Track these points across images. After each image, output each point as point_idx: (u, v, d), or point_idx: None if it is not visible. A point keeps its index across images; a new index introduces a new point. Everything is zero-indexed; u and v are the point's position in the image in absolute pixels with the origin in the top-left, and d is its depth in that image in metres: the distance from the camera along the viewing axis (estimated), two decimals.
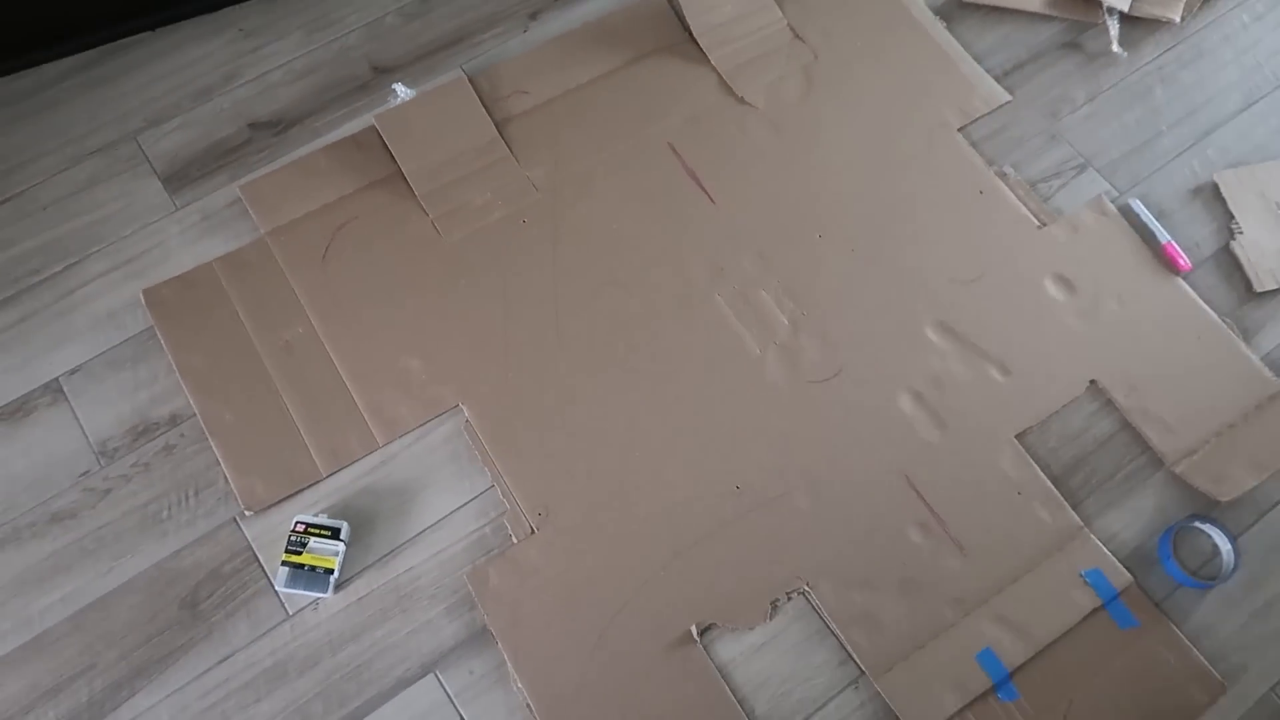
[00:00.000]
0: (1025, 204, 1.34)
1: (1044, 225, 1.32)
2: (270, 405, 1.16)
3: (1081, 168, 1.37)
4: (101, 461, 1.12)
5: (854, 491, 1.16)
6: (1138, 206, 1.33)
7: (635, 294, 1.25)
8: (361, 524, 1.11)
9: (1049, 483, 1.17)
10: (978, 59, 1.44)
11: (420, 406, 1.18)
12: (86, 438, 1.13)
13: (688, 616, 1.08)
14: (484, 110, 1.34)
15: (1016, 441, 1.19)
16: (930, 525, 1.14)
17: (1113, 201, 1.34)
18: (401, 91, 1.34)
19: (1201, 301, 1.28)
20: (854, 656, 1.08)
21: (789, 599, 1.10)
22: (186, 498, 1.11)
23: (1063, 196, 1.35)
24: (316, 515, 1.09)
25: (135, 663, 1.04)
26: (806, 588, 1.11)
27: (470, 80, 1.36)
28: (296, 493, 1.12)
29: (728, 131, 1.37)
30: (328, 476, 1.13)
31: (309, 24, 1.42)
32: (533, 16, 1.44)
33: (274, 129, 1.34)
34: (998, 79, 1.42)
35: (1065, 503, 1.16)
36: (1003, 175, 1.36)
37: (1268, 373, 1.24)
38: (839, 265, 1.29)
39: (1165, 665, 1.08)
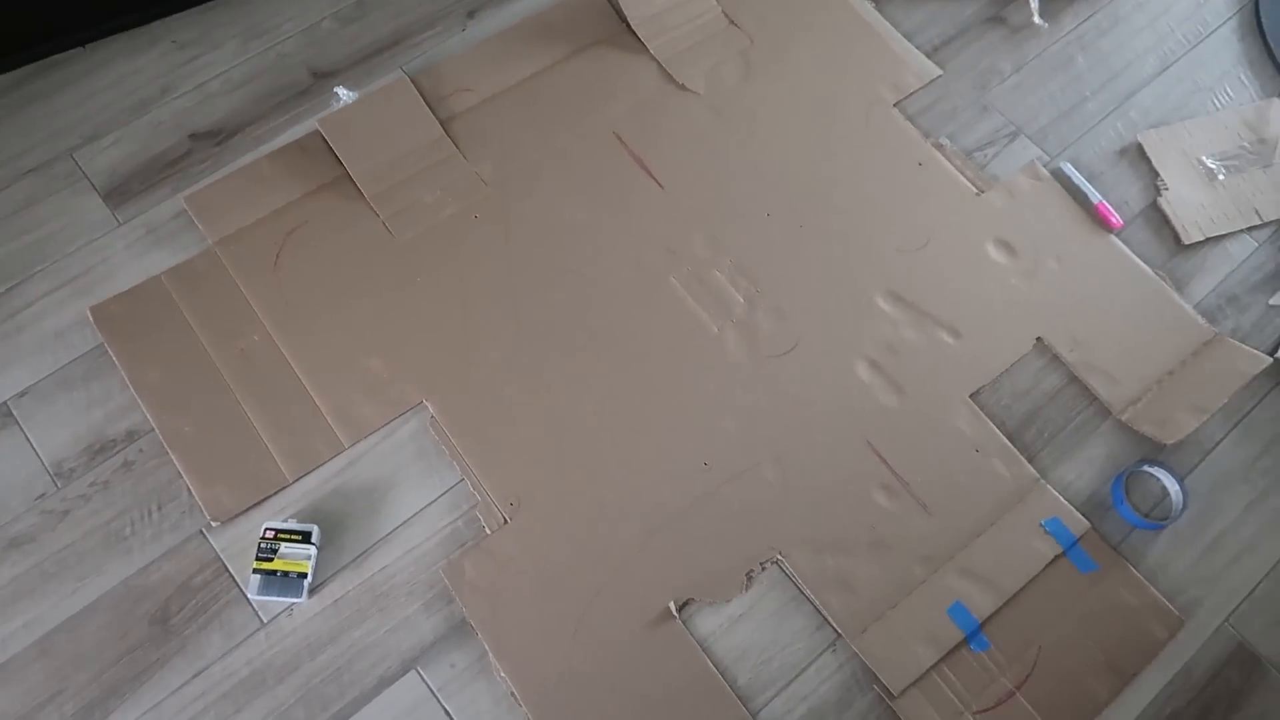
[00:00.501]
0: (963, 173, 1.38)
1: (982, 192, 1.36)
2: (230, 414, 1.15)
3: (1013, 135, 1.42)
4: (58, 483, 1.10)
5: (819, 460, 1.18)
6: (1069, 169, 1.38)
7: (591, 281, 1.26)
8: (332, 526, 1.10)
9: (1004, 438, 1.20)
10: (907, 36, 1.48)
11: (384, 405, 1.17)
12: (41, 460, 1.11)
13: (665, 594, 1.10)
14: (428, 109, 1.35)
15: (971, 401, 1.23)
16: (895, 487, 1.17)
17: (1045, 166, 1.39)
18: (344, 94, 1.33)
19: (1135, 256, 1.33)
20: (830, 620, 1.10)
21: (763, 569, 1.12)
22: (150, 513, 1.09)
23: (998, 164, 1.40)
24: (286, 521, 1.08)
25: (107, 683, 1.02)
26: (779, 557, 1.13)
27: (412, 80, 1.36)
28: (263, 500, 1.11)
29: (671, 118, 1.39)
30: (294, 482, 1.12)
31: (243, 33, 1.40)
32: (470, 15, 1.45)
33: (215, 139, 1.33)
34: (928, 54, 1.47)
35: (1021, 456, 1.20)
36: (939, 146, 1.40)
37: (1201, 320, 1.29)
38: (788, 241, 1.31)
39: (1126, 605, 1.12)
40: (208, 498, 1.10)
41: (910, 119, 1.42)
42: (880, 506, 1.16)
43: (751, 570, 1.12)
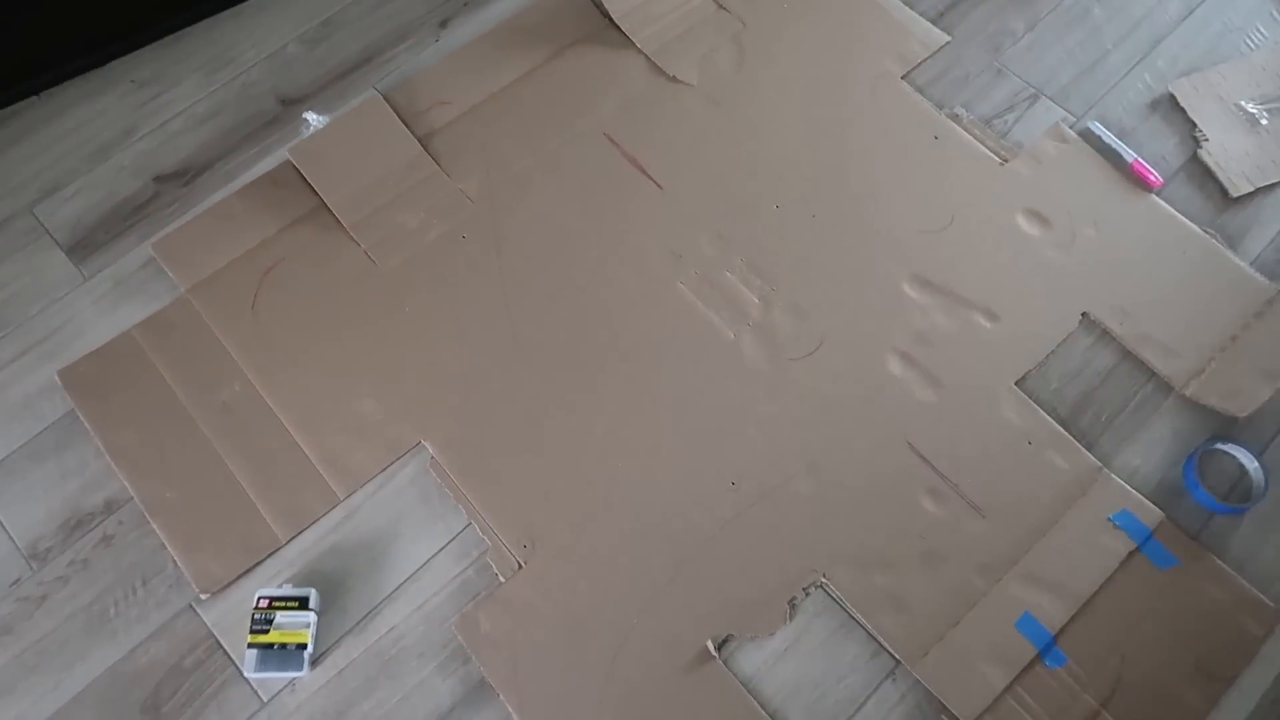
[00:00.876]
0: (983, 143, 1.28)
1: (1006, 161, 1.26)
2: (214, 474, 1.06)
3: (1033, 98, 1.32)
4: (33, 566, 1.01)
5: (857, 467, 1.08)
6: (1097, 128, 1.28)
7: (593, 294, 1.17)
8: (332, 588, 1.01)
9: (1058, 426, 1.10)
10: (908, 3, 1.38)
11: (379, 450, 1.08)
12: (14, 542, 1.02)
13: (702, 631, 1.00)
14: (404, 127, 1.26)
15: (1017, 388, 1.12)
16: (942, 491, 1.06)
17: (1071, 127, 1.29)
18: (314, 120, 1.25)
19: (1180, 215, 1.22)
20: (885, 646, 0.99)
21: (806, 595, 1.02)
22: (134, 590, 1.00)
23: (1020, 130, 1.30)
24: (280, 586, 0.99)
25: None
26: (823, 579, 1.02)
27: (386, 98, 1.28)
28: (255, 565, 1.02)
29: (664, 113, 1.29)
30: (288, 542, 1.03)
31: (205, 65, 1.32)
32: (443, 25, 1.36)
33: (181, 179, 1.24)
34: (933, 21, 1.37)
35: (1079, 445, 1.09)
36: (955, 117, 1.30)
37: (1260, 278, 1.18)
38: (802, 234, 1.21)
39: (1214, 600, 1.01)
40: (195, 568, 1.01)
41: (920, 91, 1.32)
42: (928, 513, 1.06)
43: (794, 597, 1.01)
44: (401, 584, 1.02)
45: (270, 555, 1.02)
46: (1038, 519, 1.05)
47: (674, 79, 1.31)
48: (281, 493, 1.05)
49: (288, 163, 1.23)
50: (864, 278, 1.19)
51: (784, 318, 1.16)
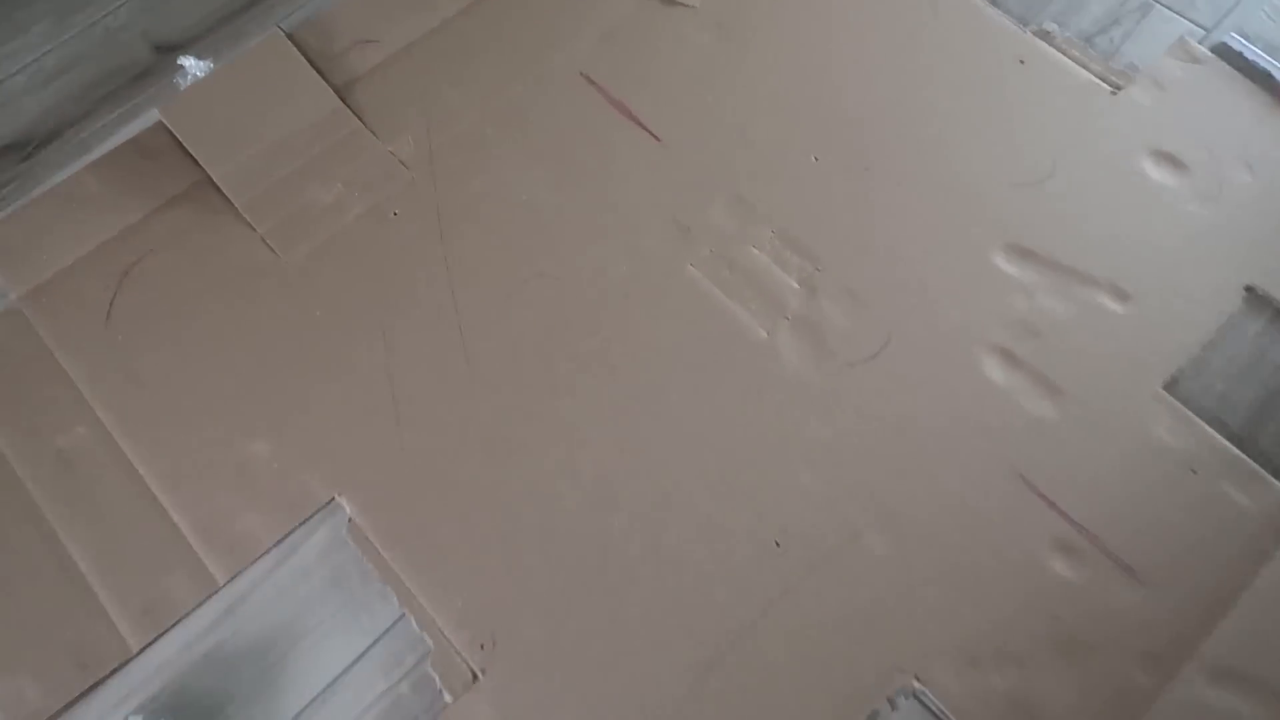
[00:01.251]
0: (1085, 66, 0.97)
1: (1119, 89, 0.95)
2: (42, 558, 0.75)
3: (1145, 7, 1.01)
4: None
5: (951, 515, 0.77)
6: (1237, 42, 0.97)
7: (571, 287, 0.86)
8: (204, 717, 0.70)
9: (1231, 446, 0.78)
10: None
11: (277, 511, 0.77)
12: None
13: None
14: (316, 74, 0.96)
15: (1166, 394, 0.81)
16: (1077, 546, 0.75)
17: (1200, 42, 0.98)
18: (192, 66, 0.95)
19: None
20: None
21: (894, 708, 0.70)
22: None
23: (1131, 48, 0.99)
24: (127, 719, 0.69)
25: None
26: (916, 683, 0.71)
27: (291, 38, 0.97)
28: (93, 688, 0.71)
29: (659, 44, 0.99)
30: (142, 651, 0.72)
31: (56, 9, 1.02)
32: None
33: (20, 152, 0.94)
34: None
35: (1263, 471, 0.77)
36: (1045, 35, 0.99)
37: None
38: (851, 194, 0.90)
39: None
40: (6, 696, 0.70)
41: (995, 3, 1.01)
42: (1061, 579, 0.74)
43: (875, 711, 0.70)
44: (307, 706, 0.71)
45: (115, 672, 0.72)
46: (1219, 582, 0.74)
47: (669, 0, 1.01)
48: (136, 577, 0.75)
49: (160, 125, 0.93)
50: (942, 249, 0.88)
51: (835, 307, 0.85)
